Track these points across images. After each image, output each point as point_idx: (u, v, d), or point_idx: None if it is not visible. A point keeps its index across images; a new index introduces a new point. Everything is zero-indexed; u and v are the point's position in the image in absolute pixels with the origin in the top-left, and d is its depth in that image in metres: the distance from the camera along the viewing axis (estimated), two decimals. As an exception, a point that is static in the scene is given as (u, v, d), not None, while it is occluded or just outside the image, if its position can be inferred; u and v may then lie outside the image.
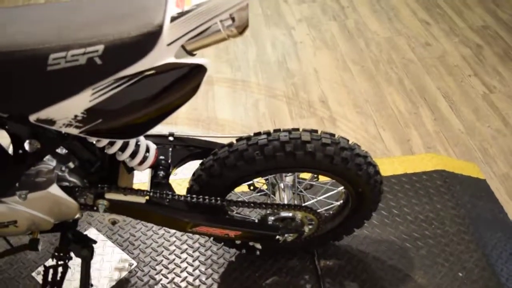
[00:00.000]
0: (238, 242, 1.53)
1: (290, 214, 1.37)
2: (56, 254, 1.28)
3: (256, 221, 1.45)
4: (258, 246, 1.51)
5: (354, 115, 2.29)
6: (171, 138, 1.40)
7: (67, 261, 1.29)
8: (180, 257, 1.65)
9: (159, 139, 1.39)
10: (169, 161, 1.34)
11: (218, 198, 1.26)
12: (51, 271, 1.26)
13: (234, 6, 0.90)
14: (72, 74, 0.91)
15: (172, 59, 0.91)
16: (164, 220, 1.29)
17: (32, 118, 0.96)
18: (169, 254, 1.66)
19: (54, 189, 1.15)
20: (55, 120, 0.97)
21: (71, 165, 1.20)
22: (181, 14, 0.90)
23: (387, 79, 2.53)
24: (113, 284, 1.57)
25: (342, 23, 2.98)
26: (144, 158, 1.24)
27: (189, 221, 1.27)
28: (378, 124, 2.25)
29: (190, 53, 1.05)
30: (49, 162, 1.20)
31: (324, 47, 2.77)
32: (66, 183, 1.20)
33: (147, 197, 1.23)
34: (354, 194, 1.37)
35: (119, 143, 1.16)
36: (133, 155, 1.22)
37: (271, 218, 1.38)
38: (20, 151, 1.15)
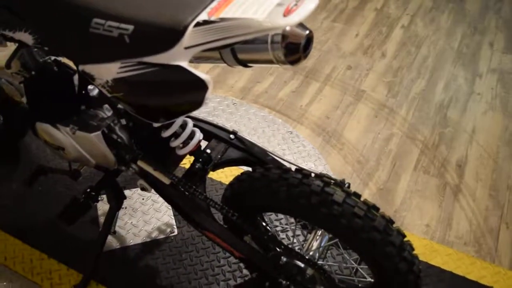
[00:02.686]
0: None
1: (301, 265, 1.26)
2: (88, 190, 1.39)
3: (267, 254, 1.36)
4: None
5: (484, 196, 1.97)
6: (232, 136, 1.38)
7: (91, 201, 1.39)
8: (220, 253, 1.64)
9: (221, 133, 1.39)
10: (215, 156, 1.33)
11: (232, 212, 1.21)
12: (75, 202, 1.38)
13: (259, 31, 0.83)
14: (106, 43, 0.96)
15: (183, 63, 0.90)
16: (179, 209, 1.30)
17: (80, 68, 1.05)
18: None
19: (97, 136, 1.25)
20: (94, 77, 1.04)
21: (123, 121, 1.28)
22: (206, 23, 0.86)
23: (552, 174, 2.11)
24: (147, 240, 1.66)
25: (540, 92, 2.53)
26: (185, 143, 1.26)
27: (198, 221, 1.26)
28: (504, 219, 1.90)
29: (244, 64, 1.01)
30: (106, 112, 1.29)
31: (500, 111, 2.40)
32: (113, 135, 1.28)
33: (171, 181, 1.25)
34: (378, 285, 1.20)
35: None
36: (175, 135, 1.24)
37: (284, 259, 1.29)
38: (83, 92, 1.26)
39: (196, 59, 1.07)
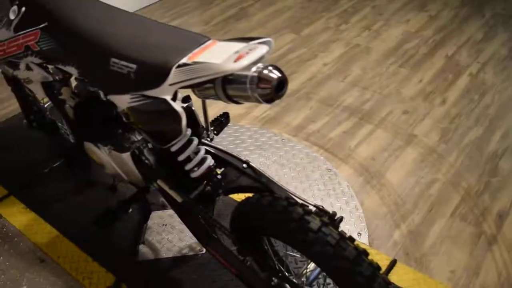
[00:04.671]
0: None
1: None
2: (120, 203, 1.63)
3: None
4: None
5: (521, 249, 1.92)
6: (244, 165, 1.53)
7: (122, 212, 1.62)
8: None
9: (234, 161, 1.55)
10: (227, 182, 1.50)
11: (229, 233, 1.36)
12: (108, 211, 1.61)
13: (215, 73, 1.01)
14: (120, 78, 1.20)
15: (168, 97, 1.11)
16: (187, 226, 1.48)
17: (108, 97, 1.30)
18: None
19: (127, 156, 1.48)
20: (117, 105, 1.28)
21: (150, 145, 1.50)
22: (185, 65, 1.06)
23: None
24: (177, 255, 1.85)
25: None
26: (196, 167, 1.44)
27: (201, 237, 1.43)
28: (537, 274, 1.83)
29: (233, 101, 1.20)
30: (137, 136, 1.52)
31: (558, 163, 2.31)
32: (141, 157, 1.51)
33: (183, 200, 1.43)
34: None
35: (177, 144, 1.39)
36: (188, 159, 1.43)
37: (275, 280, 1.41)
38: (119, 117, 1.52)
39: (203, 97, 1.28)
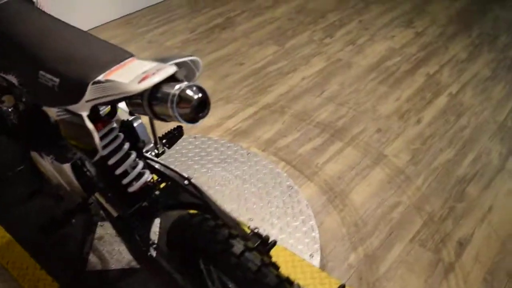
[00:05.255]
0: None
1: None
2: (65, 211, 1.59)
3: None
4: None
5: (478, 279, 1.86)
6: (186, 182, 1.49)
7: (65, 222, 1.58)
8: None
9: (176, 177, 1.50)
10: (166, 198, 1.46)
11: (162, 249, 1.33)
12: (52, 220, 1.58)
13: (121, 93, 0.98)
14: (47, 91, 1.16)
15: (84, 113, 1.08)
16: (124, 242, 1.45)
17: (43, 108, 1.27)
18: None
19: (67, 168, 1.45)
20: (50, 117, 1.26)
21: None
22: (99, 82, 1.03)
23: None
24: (126, 267, 1.82)
25: None
26: (134, 181, 1.40)
27: (137, 258, 1.40)
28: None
29: (161, 119, 1.17)
30: None
31: (527, 191, 2.26)
32: (83, 168, 1.47)
33: (118, 215, 1.40)
34: None
35: (115, 158, 1.35)
36: (125, 173, 1.39)
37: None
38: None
39: (135, 112, 1.24)
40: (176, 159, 2.39)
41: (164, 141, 1.74)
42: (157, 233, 1.49)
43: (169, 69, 1.04)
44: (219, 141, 2.53)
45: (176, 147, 2.47)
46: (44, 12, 1.42)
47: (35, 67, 1.21)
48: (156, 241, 1.35)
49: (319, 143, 2.59)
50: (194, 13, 4.25)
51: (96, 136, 1.10)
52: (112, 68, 1.08)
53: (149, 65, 1.06)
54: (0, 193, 2.21)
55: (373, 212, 2.15)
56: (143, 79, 0.99)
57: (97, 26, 4.06)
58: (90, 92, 1.06)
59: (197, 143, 2.50)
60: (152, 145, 1.59)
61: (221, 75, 3.29)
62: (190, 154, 2.41)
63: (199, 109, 1.08)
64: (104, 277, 1.80)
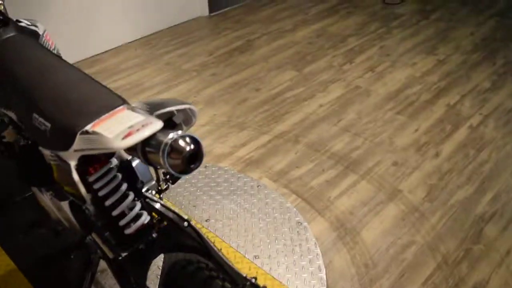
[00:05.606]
0: None
1: None
2: (64, 249, 1.57)
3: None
4: None
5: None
6: (185, 224, 1.45)
7: (64, 257, 1.56)
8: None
9: (175, 218, 1.46)
10: (164, 241, 1.42)
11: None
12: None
13: (104, 148, 0.96)
14: (40, 134, 1.15)
15: (72, 163, 1.05)
16: (119, 284, 1.41)
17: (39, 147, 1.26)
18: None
19: (65, 205, 1.43)
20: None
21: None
22: (86, 133, 1.01)
23: None
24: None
25: None
26: (131, 223, 1.36)
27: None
28: None
29: (154, 166, 1.14)
30: None
31: (548, 234, 2.14)
32: (81, 207, 1.45)
33: (114, 256, 1.37)
34: None
35: (111, 199, 1.33)
36: (123, 215, 1.36)
37: None
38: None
39: (131, 156, 1.22)
40: (185, 188, 2.36)
41: (167, 177, 1.71)
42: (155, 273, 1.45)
43: (156, 125, 1.00)
44: (229, 171, 2.50)
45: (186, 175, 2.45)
46: (45, 49, 1.41)
47: (29, 109, 1.19)
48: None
49: (332, 176, 2.53)
50: (213, 35, 4.26)
51: (82, 188, 1.07)
52: (102, 117, 1.05)
53: (136, 118, 1.03)
54: (8, 218, 2.21)
55: (384, 252, 2.07)
56: (128, 135, 0.96)
57: (118, 47, 4.09)
58: (78, 142, 1.04)
59: (207, 172, 2.47)
60: (154, 182, 1.56)
61: (238, 100, 3.26)
62: (199, 184, 2.38)
63: (190, 160, 1.04)
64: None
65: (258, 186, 2.37)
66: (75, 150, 1.05)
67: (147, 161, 1.12)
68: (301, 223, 2.14)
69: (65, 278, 1.81)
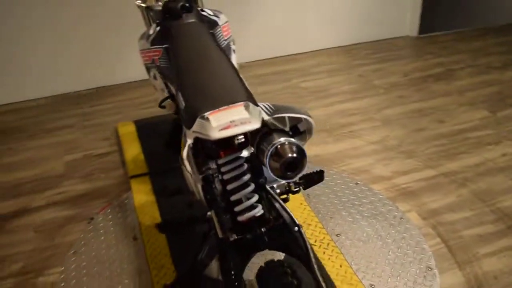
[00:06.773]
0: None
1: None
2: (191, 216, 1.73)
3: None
4: None
5: None
6: (296, 228, 1.49)
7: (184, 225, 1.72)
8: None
9: (288, 219, 1.51)
10: (268, 238, 1.48)
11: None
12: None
13: (204, 135, 1.08)
14: (180, 111, 1.32)
15: (189, 141, 1.19)
16: (220, 263, 1.52)
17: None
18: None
19: (198, 180, 1.60)
20: None
21: (220, 176, 1.59)
22: (202, 118, 1.14)
23: None
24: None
25: None
26: (245, 211, 1.46)
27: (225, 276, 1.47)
28: None
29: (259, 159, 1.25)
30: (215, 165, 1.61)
31: None
32: (212, 184, 1.60)
33: (223, 237, 1.48)
34: None
35: (232, 184, 1.45)
36: (239, 201, 1.47)
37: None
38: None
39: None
40: (328, 198, 2.39)
41: (301, 180, 1.76)
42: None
43: (254, 125, 1.08)
44: (378, 194, 2.45)
45: (334, 186, 2.48)
46: (210, 39, 1.58)
47: (178, 88, 1.37)
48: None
49: (489, 231, 2.29)
50: (415, 57, 4.14)
51: (188, 165, 1.19)
52: (221, 108, 1.16)
53: (241, 115, 1.11)
54: (165, 180, 2.49)
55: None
56: (226, 127, 1.06)
57: (317, 50, 4.25)
58: (196, 125, 1.16)
59: (355, 189, 2.46)
60: (283, 182, 1.63)
61: (416, 128, 3.15)
62: (343, 199, 2.39)
63: (290, 167, 1.09)
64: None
65: (401, 218, 2.28)
66: (193, 131, 1.18)
67: (258, 154, 1.20)
68: (432, 269, 2.01)
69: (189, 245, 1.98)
